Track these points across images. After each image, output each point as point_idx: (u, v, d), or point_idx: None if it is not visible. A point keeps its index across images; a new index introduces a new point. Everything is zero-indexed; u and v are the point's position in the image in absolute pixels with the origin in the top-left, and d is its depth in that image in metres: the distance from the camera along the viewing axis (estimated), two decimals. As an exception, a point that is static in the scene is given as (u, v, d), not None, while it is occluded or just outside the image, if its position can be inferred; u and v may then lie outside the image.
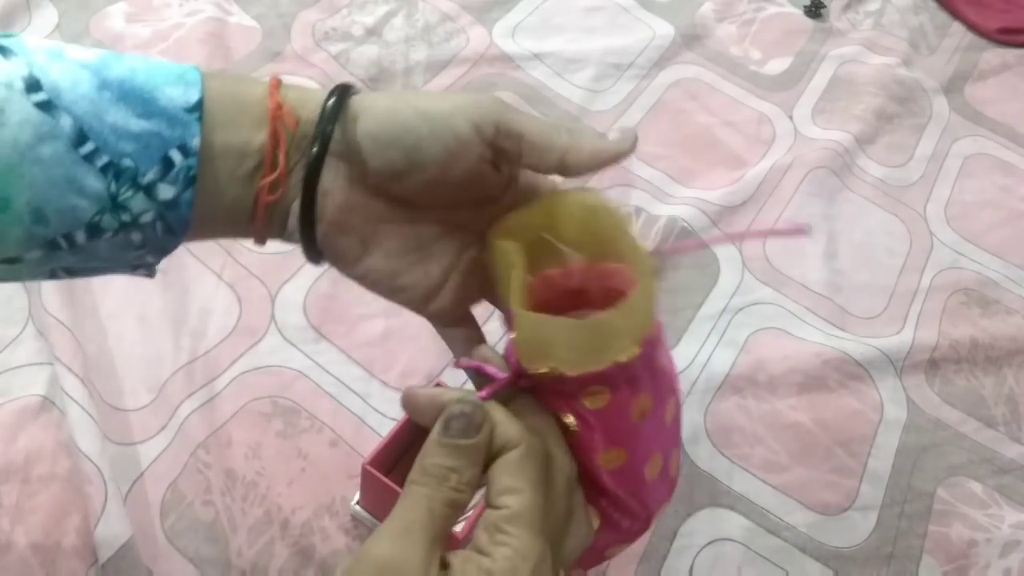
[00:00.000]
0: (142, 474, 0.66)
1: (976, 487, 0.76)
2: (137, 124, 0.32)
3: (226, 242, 0.79)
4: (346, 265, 0.39)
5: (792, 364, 0.80)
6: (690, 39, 1.09)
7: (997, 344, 0.86)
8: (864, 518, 0.73)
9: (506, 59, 1.02)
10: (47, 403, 0.68)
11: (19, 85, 0.31)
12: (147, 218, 0.34)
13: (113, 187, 0.32)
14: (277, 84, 0.36)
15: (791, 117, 1.03)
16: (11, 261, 0.33)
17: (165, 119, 0.33)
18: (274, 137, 0.35)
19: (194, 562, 0.63)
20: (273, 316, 0.76)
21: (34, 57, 0.31)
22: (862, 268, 0.90)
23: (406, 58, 1.00)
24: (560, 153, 0.36)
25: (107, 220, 0.33)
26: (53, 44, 0.33)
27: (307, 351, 0.75)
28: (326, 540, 0.65)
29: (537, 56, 1.03)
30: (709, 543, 0.70)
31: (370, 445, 0.65)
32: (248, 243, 0.75)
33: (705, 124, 1.01)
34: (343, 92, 0.36)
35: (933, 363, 0.83)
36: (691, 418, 0.76)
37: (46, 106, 0.31)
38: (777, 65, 1.09)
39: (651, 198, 0.92)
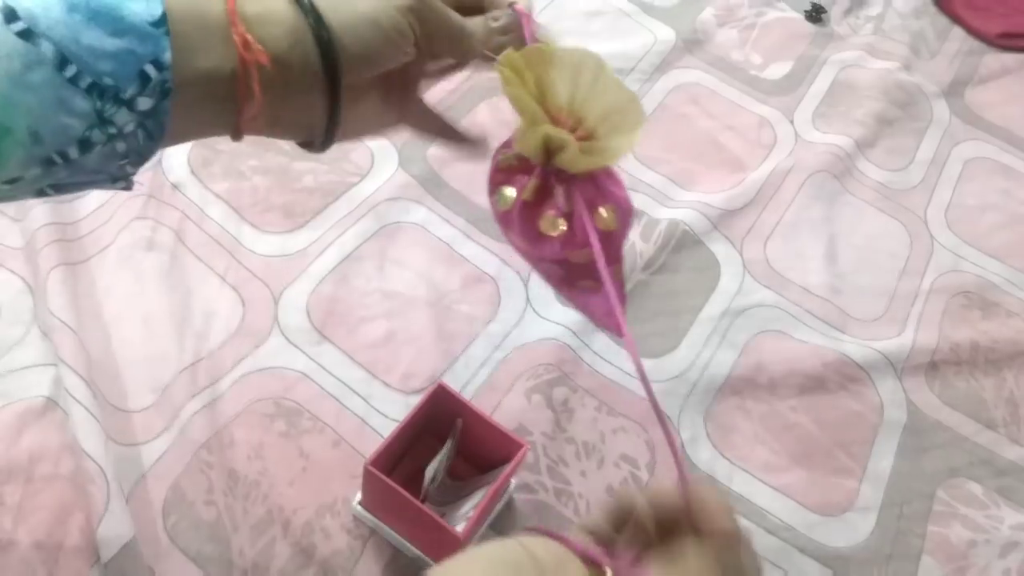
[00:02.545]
0: (145, 474, 0.67)
1: (976, 488, 0.77)
2: (111, 43, 0.34)
3: (230, 246, 0.79)
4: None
5: (792, 366, 0.81)
6: (691, 44, 1.10)
7: (997, 347, 0.86)
8: (864, 519, 0.73)
9: (508, 64, 1.02)
10: (51, 404, 0.69)
11: None
12: (129, 128, 0.36)
13: (99, 104, 0.35)
14: (234, 6, 0.38)
15: (792, 121, 1.04)
16: (12, 181, 0.35)
17: (135, 36, 0.35)
18: (243, 68, 0.38)
19: (196, 561, 0.63)
20: (276, 318, 0.77)
21: None
22: (862, 271, 0.90)
23: (408, 63, 1.00)
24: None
25: (96, 134, 0.35)
26: None
27: (310, 353, 0.75)
28: (328, 540, 0.66)
29: (539, 61, 1.03)
30: (709, 544, 0.70)
31: (372, 446, 0.65)
32: (251, 245, 0.75)
33: (706, 128, 1.01)
34: (315, 17, 0.40)
35: (933, 365, 0.84)
36: (691, 419, 0.76)
37: (26, 34, 0.32)
38: (778, 69, 1.10)
39: (653, 202, 0.92)
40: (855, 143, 1.01)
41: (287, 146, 0.89)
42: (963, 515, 0.75)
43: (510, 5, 0.48)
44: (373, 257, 0.82)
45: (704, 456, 0.75)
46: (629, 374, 0.78)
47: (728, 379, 0.79)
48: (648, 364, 0.80)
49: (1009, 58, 1.18)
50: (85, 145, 0.35)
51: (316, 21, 0.40)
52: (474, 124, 0.95)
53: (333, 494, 0.68)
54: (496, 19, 0.48)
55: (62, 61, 0.33)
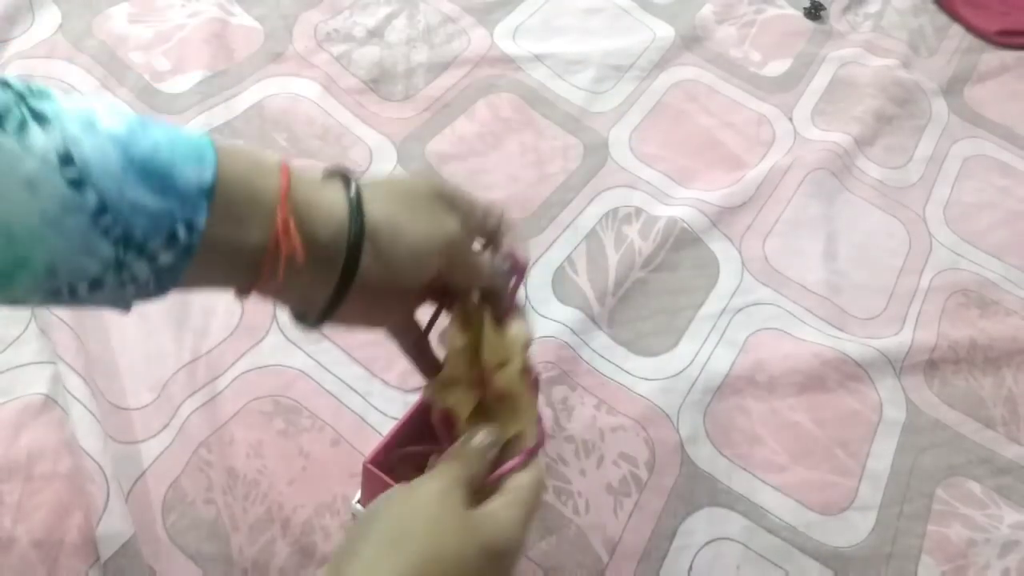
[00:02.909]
0: (144, 472, 0.67)
1: (975, 487, 0.77)
2: (153, 201, 0.34)
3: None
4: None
5: (791, 364, 0.81)
6: (690, 41, 1.10)
7: (996, 345, 0.86)
8: (863, 518, 0.73)
9: (507, 60, 1.02)
10: (49, 402, 0.68)
11: (53, 160, 0.32)
12: (143, 276, 0.36)
13: (121, 253, 0.35)
14: (287, 189, 0.38)
15: (791, 118, 1.04)
16: (14, 301, 0.35)
17: (178, 198, 0.35)
18: (275, 250, 0.38)
19: (195, 560, 0.63)
20: (275, 315, 0.76)
21: (69, 128, 0.33)
22: (861, 269, 0.90)
23: (407, 59, 1.00)
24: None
25: (110, 277, 0.35)
26: (86, 109, 0.34)
27: (309, 350, 0.75)
28: (327, 539, 0.65)
29: (538, 57, 1.03)
30: (708, 542, 0.70)
31: (371, 444, 0.65)
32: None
33: (705, 125, 1.01)
34: (359, 227, 0.40)
35: (932, 364, 0.84)
36: (691, 418, 0.76)
37: (76, 183, 0.33)
38: (777, 67, 1.09)
39: (651, 199, 0.92)
40: (854, 140, 1.01)
41: (285, 143, 0.89)
42: (962, 514, 0.75)
43: (512, 256, 0.51)
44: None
45: (703, 454, 0.75)
46: (629, 373, 0.78)
47: (727, 377, 0.79)
48: (647, 362, 0.79)
49: (1008, 55, 1.18)
50: (96, 284, 0.35)
51: (357, 234, 0.40)
52: (473, 121, 0.95)
53: (332, 493, 0.68)
54: (503, 264, 0.50)
55: (101, 210, 0.33)
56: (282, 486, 0.68)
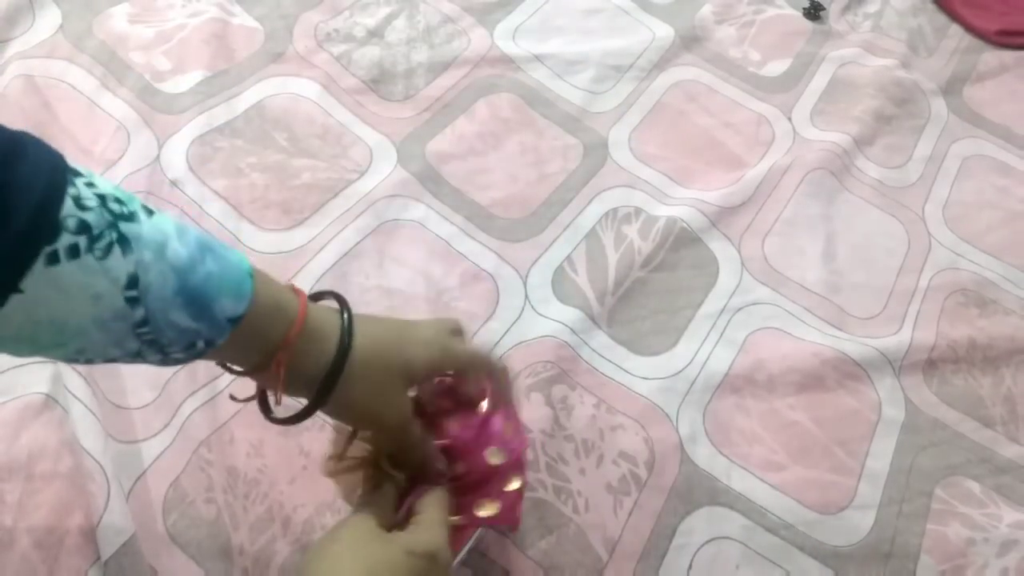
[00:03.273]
0: (144, 472, 0.67)
1: (974, 486, 0.77)
2: (188, 323, 0.40)
3: (229, 242, 0.79)
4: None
5: (791, 364, 0.81)
6: (689, 41, 1.10)
7: (995, 344, 0.86)
8: (862, 517, 0.73)
9: (507, 60, 1.02)
10: (50, 401, 0.68)
11: (123, 281, 0.37)
12: (154, 361, 0.43)
13: (144, 348, 0.41)
14: (299, 331, 0.46)
15: (790, 118, 1.04)
16: (32, 356, 0.40)
17: (209, 323, 0.41)
18: (277, 370, 0.46)
19: (196, 559, 0.63)
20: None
21: (143, 255, 0.38)
22: (860, 268, 0.90)
23: (407, 59, 1.00)
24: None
25: (125, 358, 0.41)
26: (162, 235, 0.39)
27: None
28: (327, 538, 0.66)
29: (538, 58, 1.03)
30: (708, 541, 0.70)
31: (371, 443, 0.65)
32: (249, 242, 0.75)
33: (704, 125, 1.01)
34: (335, 370, 0.47)
35: (931, 363, 0.84)
36: (690, 417, 0.76)
37: (133, 301, 0.38)
38: (776, 67, 1.10)
39: (651, 199, 0.92)
40: (853, 140, 1.01)
41: (285, 143, 0.89)
42: (961, 513, 0.75)
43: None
44: (372, 254, 0.82)
45: (703, 454, 0.75)
46: (628, 372, 0.78)
47: (727, 377, 0.80)
48: (647, 362, 0.80)
49: (1007, 55, 1.18)
50: (112, 360, 0.41)
51: (334, 375, 0.47)
52: (473, 121, 0.95)
53: (333, 492, 0.68)
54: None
55: (143, 323, 0.39)
56: (283, 485, 0.68)
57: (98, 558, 0.61)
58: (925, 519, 0.74)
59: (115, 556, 0.61)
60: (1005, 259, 0.94)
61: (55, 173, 0.36)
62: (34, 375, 0.70)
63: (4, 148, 0.34)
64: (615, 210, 0.90)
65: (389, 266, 0.82)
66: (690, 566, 0.69)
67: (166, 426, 0.69)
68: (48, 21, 0.95)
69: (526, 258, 0.85)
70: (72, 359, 0.40)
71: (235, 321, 0.42)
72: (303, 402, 0.49)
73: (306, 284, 0.79)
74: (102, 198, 0.37)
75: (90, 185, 0.37)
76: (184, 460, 0.68)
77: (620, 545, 0.69)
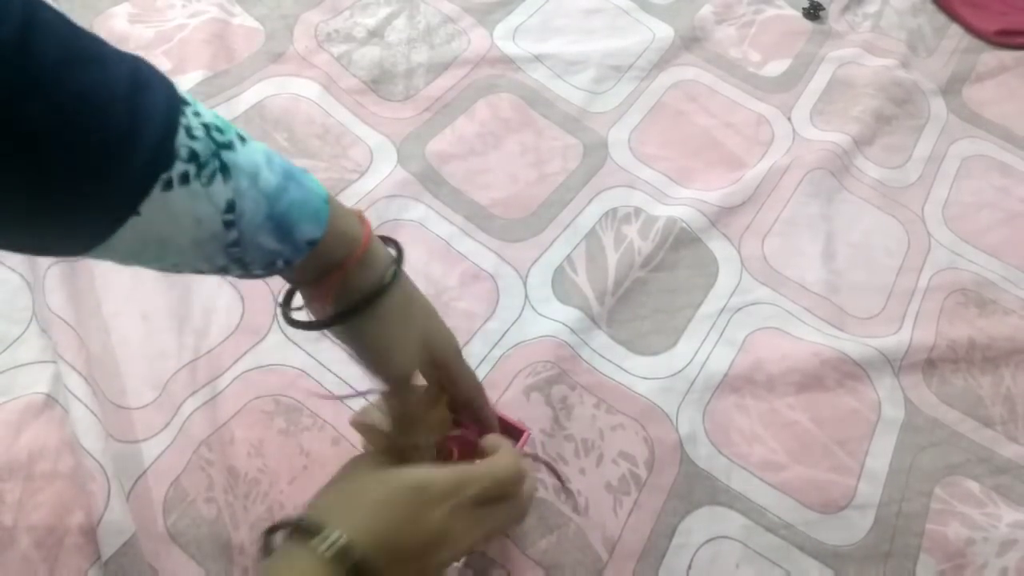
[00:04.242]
0: (145, 471, 0.67)
1: (973, 486, 0.77)
2: (273, 244, 0.43)
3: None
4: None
5: (790, 364, 0.81)
6: (689, 41, 1.10)
7: (994, 344, 0.86)
8: (862, 517, 0.74)
9: (507, 61, 1.02)
10: (50, 401, 0.69)
11: (222, 206, 0.40)
12: (236, 275, 0.45)
13: (229, 264, 0.43)
14: (359, 257, 0.48)
15: (790, 118, 1.04)
16: (127, 263, 0.41)
17: (291, 245, 0.44)
18: (330, 285, 0.48)
19: (196, 559, 0.64)
20: (275, 315, 0.77)
21: (241, 182, 0.40)
22: (860, 268, 0.91)
23: (408, 59, 1.00)
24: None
25: (211, 272, 0.44)
26: (256, 163, 0.42)
27: (309, 350, 0.75)
28: (327, 537, 0.66)
29: (538, 58, 1.03)
30: (707, 541, 0.71)
31: (371, 443, 0.65)
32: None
33: (704, 125, 1.01)
34: (392, 278, 0.50)
35: (931, 363, 0.84)
36: (690, 417, 0.77)
37: (229, 224, 0.40)
38: (776, 67, 1.10)
39: (650, 199, 0.92)
40: (853, 140, 1.01)
41: (285, 143, 0.89)
42: (961, 513, 0.75)
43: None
44: (372, 254, 0.82)
45: (702, 453, 0.75)
46: (628, 372, 0.78)
47: (726, 376, 0.80)
48: (646, 361, 0.80)
49: (1006, 55, 1.18)
50: (199, 271, 0.43)
51: (386, 285, 0.49)
52: (473, 121, 0.95)
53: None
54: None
55: (234, 244, 0.41)
56: (283, 485, 0.68)
57: (98, 558, 0.62)
58: (924, 519, 0.74)
59: (115, 556, 0.61)
60: (1005, 259, 0.94)
61: (171, 102, 0.38)
62: (34, 375, 0.70)
63: (130, 77, 0.36)
64: (615, 210, 0.90)
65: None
66: (690, 566, 0.69)
67: (166, 426, 0.69)
68: (48, 21, 0.95)
69: (526, 258, 0.85)
70: (165, 270, 0.43)
71: (313, 244, 0.45)
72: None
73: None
74: (207, 128, 0.39)
75: (196, 114, 0.39)
76: (184, 460, 0.68)
77: (620, 544, 0.69)
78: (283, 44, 0.99)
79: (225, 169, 0.39)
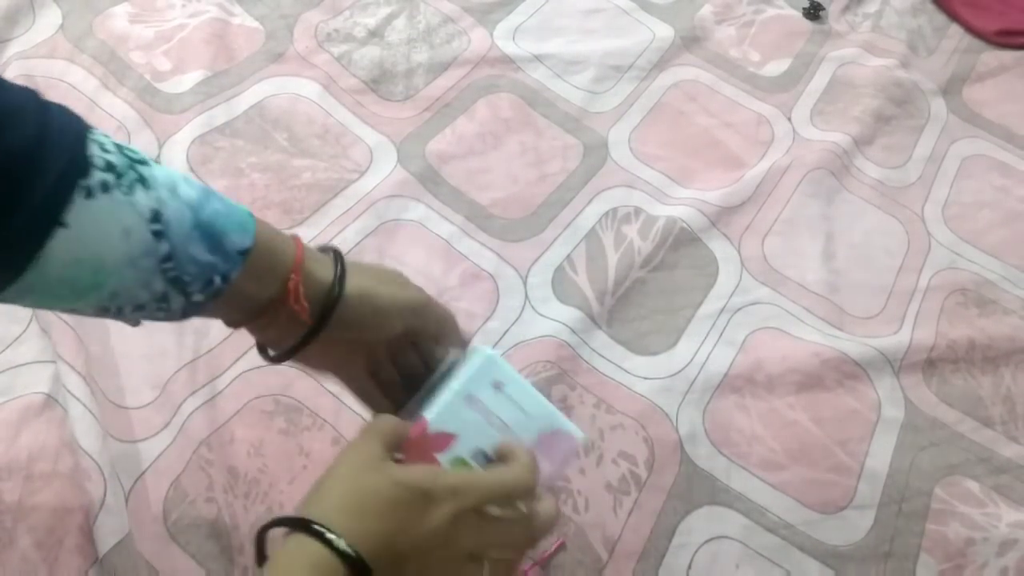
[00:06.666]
0: (144, 471, 0.67)
1: (973, 486, 0.77)
2: (205, 256, 0.44)
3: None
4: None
5: (790, 364, 0.81)
6: (689, 41, 1.10)
7: (994, 344, 0.86)
8: (862, 517, 0.74)
9: (507, 61, 1.02)
10: (50, 401, 0.69)
11: (147, 215, 0.41)
12: (176, 307, 0.45)
13: (169, 290, 0.43)
14: (300, 261, 0.48)
15: (790, 118, 1.04)
16: (70, 309, 0.43)
17: (224, 256, 0.44)
18: (282, 304, 0.48)
19: (196, 559, 0.64)
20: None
21: (161, 192, 0.42)
22: (860, 268, 0.91)
23: (408, 59, 1.00)
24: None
25: (151, 304, 0.44)
26: (171, 178, 0.43)
27: (309, 350, 0.75)
28: (327, 537, 0.66)
29: (538, 58, 1.03)
30: (707, 541, 0.71)
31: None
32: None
33: (704, 125, 1.01)
34: (335, 295, 0.49)
35: (930, 363, 0.84)
36: (690, 417, 0.77)
37: (158, 234, 0.41)
38: (776, 67, 1.10)
39: (650, 199, 0.92)
40: (853, 140, 1.01)
41: (285, 143, 0.89)
42: (961, 513, 0.75)
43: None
44: (372, 254, 0.83)
45: (702, 453, 0.75)
46: (628, 372, 0.78)
47: (726, 376, 0.80)
48: (646, 361, 0.80)
49: (1006, 55, 1.18)
50: (140, 308, 0.44)
51: (331, 303, 0.49)
52: (473, 121, 0.95)
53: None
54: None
55: (167, 258, 0.42)
56: (283, 485, 0.68)
57: (97, 558, 0.62)
58: (924, 519, 0.74)
59: (116, 556, 0.62)
60: (1004, 259, 0.94)
61: (75, 117, 0.40)
62: (34, 375, 0.70)
63: (33, 97, 0.38)
64: (615, 210, 0.90)
65: (389, 266, 0.82)
66: (690, 565, 0.69)
67: (166, 426, 0.69)
68: (48, 21, 0.95)
69: (526, 258, 0.85)
70: (105, 306, 0.43)
71: (245, 253, 0.45)
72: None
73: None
74: (118, 146, 0.41)
75: (105, 135, 0.41)
76: (184, 460, 0.68)
77: (620, 544, 0.69)
78: (283, 44, 0.99)
79: (143, 180, 0.41)
